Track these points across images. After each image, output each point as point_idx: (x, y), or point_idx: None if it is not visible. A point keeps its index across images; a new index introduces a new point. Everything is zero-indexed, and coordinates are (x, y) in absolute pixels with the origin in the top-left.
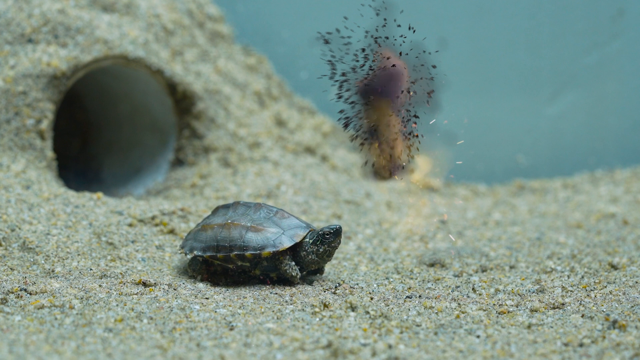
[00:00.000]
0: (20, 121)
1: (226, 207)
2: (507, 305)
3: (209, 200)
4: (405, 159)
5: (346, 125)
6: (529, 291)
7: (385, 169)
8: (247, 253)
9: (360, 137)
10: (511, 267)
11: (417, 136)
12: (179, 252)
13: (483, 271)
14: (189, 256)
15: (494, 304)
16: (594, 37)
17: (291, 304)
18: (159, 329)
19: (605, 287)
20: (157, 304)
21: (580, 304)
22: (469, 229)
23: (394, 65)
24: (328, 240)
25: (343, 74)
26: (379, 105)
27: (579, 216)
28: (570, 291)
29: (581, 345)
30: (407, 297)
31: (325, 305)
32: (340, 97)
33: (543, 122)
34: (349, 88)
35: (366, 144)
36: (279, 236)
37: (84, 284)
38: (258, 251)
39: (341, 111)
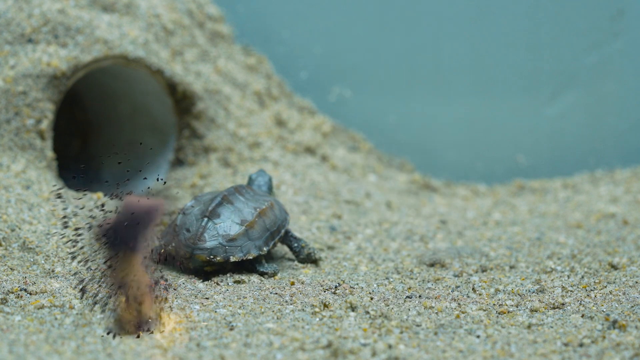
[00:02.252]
0: (20, 121)
1: (223, 204)
2: (507, 305)
3: None
4: (152, 313)
5: (82, 292)
6: (529, 291)
7: (131, 323)
8: (287, 226)
9: (104, 293)
10: (511, 267)
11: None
12: (241, 258)
13: (483, 271)
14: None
15: (494, 304)
16: (594, 37)
17: (291, 304)
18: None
19: (605, 287)
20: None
21: (580, 304)
22: (469, 229)
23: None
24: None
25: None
26: (125, 256)
27: (579, 216)
28: (570, 291)
29: (581, 345)
30: (407, 297)
31: (325, 305)
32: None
33: (543, 122)
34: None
35: (111, 299)
36: (278, 205)
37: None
38: (288, 222)
39: (75, 274)
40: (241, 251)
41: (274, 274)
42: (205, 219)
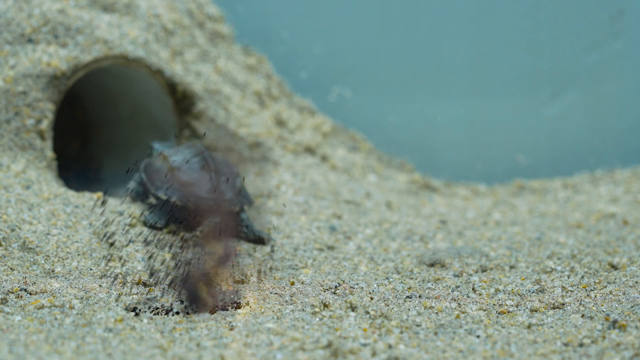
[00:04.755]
0: (20, 121)
1: (214, 159)
2: (507, 305)
3: None
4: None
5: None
6: (529, 291)
7: (206, 300)
8: None
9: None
10: (511, 267)
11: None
12: (249, 206)
13: (483, 271)
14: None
15: (494, 304)
16: (594, 37)
17: (291, 304)
18: (159, 329)
19: (605, 287)
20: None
21: (580, 304)
22: (469, 229)
23: None
24: None
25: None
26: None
27: (579, 216)
28: (570, 291)
29: (581, 345)
30: (407, 297)
31: (325, 305)
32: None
33: (543, 122)
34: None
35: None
36: None
37: (84, 284)
38: None
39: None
40: (248, 200)
41: (269, 239)
42: (213, 174)
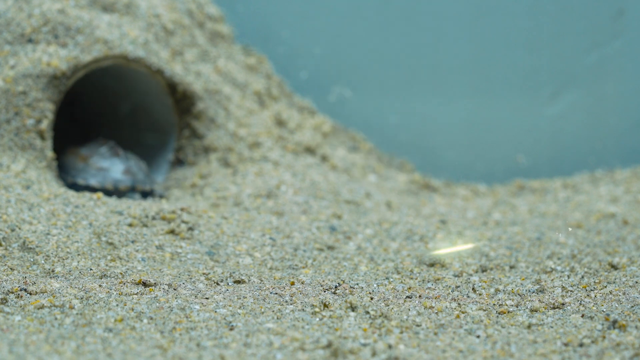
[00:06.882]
0: (20, 121)
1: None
2: (507, 305)
3: (209, 200)
4: None
5: None
6: (529, 291)
7: None
8: None
9: None
10: (511, 267)
11: None
12: (157, 189)
13: (483, 271)
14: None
15: (494, 304)
16: (594, 37)
17: (291, 304)
18: (159, 329)
19: (605, 287)
20: (157, 304)
21: (580, 304)
22: (469, 229)
23: None
24: None
25: None
26: None
27: (579, 216)
28: (570, 291)
29: (581, 345)
30: (407, 297)
31: (325, 305)
32: None
33: (543, 122)
34: None
35: None
36: None
37: (84, 284)
38: None
39: None
40: (155, 182)
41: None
42: (124, 158)
